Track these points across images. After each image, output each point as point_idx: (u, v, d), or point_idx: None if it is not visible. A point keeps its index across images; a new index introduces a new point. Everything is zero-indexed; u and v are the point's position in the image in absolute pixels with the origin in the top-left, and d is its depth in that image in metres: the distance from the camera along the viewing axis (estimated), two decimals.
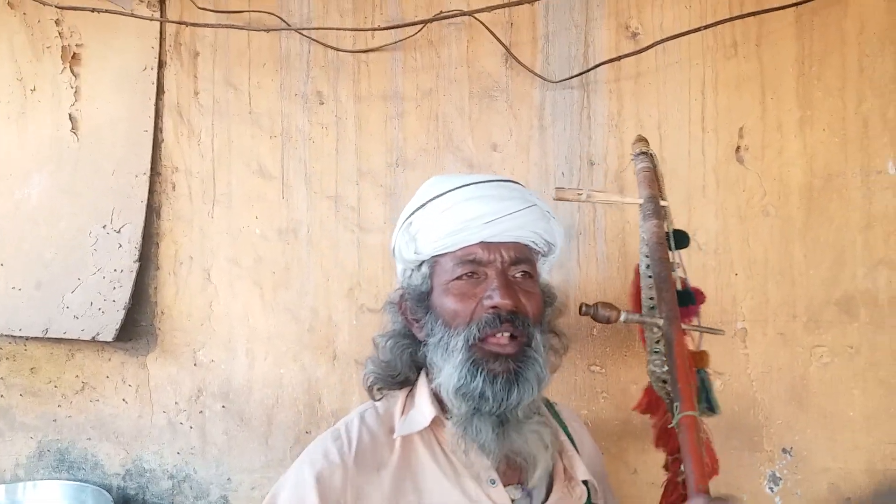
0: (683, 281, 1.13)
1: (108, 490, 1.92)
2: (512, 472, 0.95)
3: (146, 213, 1.93)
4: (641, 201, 1.10)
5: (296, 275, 1.88)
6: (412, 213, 1.00)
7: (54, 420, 1.99)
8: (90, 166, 1.98)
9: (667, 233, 1.11)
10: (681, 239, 1.16)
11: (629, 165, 1.31)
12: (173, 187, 1.95)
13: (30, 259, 1.99)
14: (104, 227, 1.95)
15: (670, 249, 1.10)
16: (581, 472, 1.00)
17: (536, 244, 1.00)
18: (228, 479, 1.89)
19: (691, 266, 1.42)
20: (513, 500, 0.92)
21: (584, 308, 1.02)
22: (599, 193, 1.08)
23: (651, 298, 1.08)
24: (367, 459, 0.92)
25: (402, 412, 0.97)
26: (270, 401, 1.88)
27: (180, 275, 1.93)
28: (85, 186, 1.98)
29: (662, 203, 1.12)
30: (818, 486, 1.63)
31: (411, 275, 1.00)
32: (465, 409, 0.89)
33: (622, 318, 1.02)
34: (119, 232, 1.94)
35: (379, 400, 1.02)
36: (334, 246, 1.86)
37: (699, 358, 1.11)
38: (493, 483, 0.89)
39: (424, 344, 0.97)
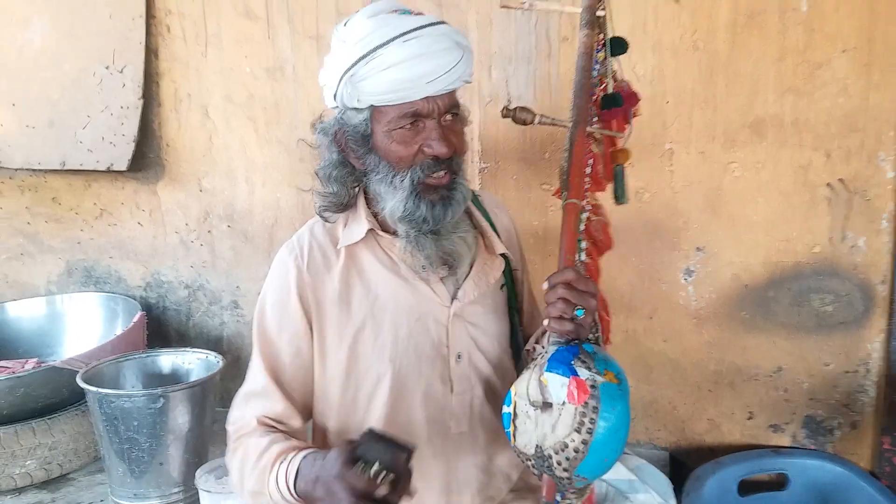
0: (619, 85, 1.22)
1: (132, 299, 2.25)
2: (444, 264, 1.20)
3: (145, 53, 2.11)
4: (580, 10, 1.19)
5: (285, 111, 2.11)
6: (354, 65, 1.06)
7: (78, 243, 2.27)
8: (87, 10, 2.13)
9: (604, 41, 1.21)
10: (618, 46, 1.22)
11: None
12: (168, 29, 2.12)
13: (39, 100, 2.18)
14: (107, 67, 2.13)
15: (608, 56, 1.21)
16: (499, 248, 1.26)
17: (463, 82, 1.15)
18: (237, 286, 2.22)
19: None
20: (441, 277, 1.18)
21: (505, 111, 1.15)
22: (541, 2, 1.22)
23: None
24: (319, 264, 1.17)
25: (345, 225, 1.19)
26: (270, 221, 2.17)
27: (181, 111, 2.15)
28: (84, 30, 2.13)
29: (599, 13, 1.20)
30: (723, 277, 1.99)
31: (345, 111, 1.13)
32: (411, 231, 1.12)
33: (537, 120, 1.16)
34: (122, 72, 2.13)
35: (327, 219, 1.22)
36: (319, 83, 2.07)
37: (618, 155, 1.25)
38: (424, 268, 1.16)
39: (364, 173, 1.14)
